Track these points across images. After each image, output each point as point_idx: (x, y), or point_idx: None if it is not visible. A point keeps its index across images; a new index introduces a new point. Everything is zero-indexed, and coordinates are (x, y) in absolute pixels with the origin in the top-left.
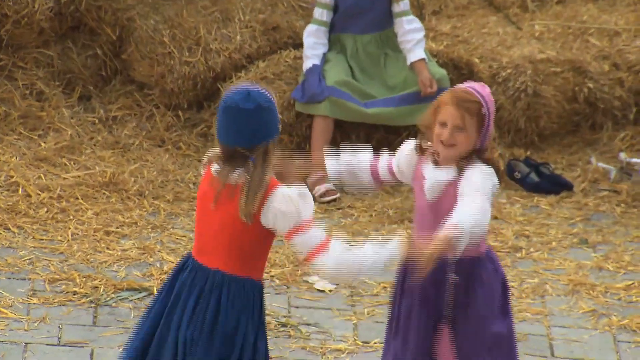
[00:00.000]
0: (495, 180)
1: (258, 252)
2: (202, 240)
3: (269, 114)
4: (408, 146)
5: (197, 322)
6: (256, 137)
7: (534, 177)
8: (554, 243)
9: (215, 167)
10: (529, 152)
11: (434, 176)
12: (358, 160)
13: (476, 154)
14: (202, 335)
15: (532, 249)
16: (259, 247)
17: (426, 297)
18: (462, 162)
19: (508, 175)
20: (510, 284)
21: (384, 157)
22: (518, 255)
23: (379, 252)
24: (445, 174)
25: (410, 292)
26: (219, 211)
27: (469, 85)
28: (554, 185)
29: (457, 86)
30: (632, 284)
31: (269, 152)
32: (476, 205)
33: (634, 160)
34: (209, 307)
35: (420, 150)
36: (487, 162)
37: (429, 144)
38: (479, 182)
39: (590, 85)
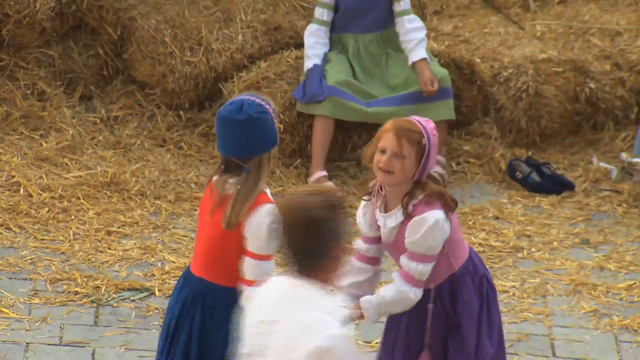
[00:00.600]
0: (443, 226)
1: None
2: (195, 249)
3: (261, 125)
4: (359, 212)
5: (184, 334)
6: (248, 148)
7: (535, 177)
8: (555, 243)
9: (215, 177)
10: (530, 152)
11: (385, 224)
12: (361, 283)
13: (418, 188)
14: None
15: (533, 249)
16: (240, 256)
17: (408, 328)
18: (407, 200)
19: (509, 176)
20: (512, 283)
21: (358, 243)
22: (519, 255)
23: None
24: (394, 220)
25: (396, 325)
26: (211, 220)
27: (413, 117)
28: (556, 185)
29: (401, 118)
30: (634, 284)
31: (263, 164)
32: (395, 288)
33: (636, 160)
34: (194, 320)
35: (367, 192)
36: (432, 194)
37: (371, 182)
38: (420, 242)
39: (592, 85)
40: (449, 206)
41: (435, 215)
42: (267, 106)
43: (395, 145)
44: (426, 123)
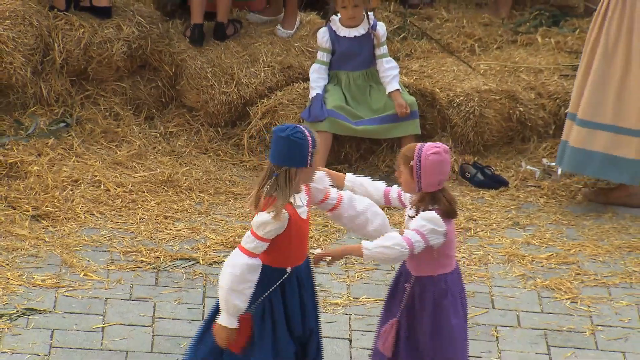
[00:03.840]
0: (436, 223)
1: None
2: (303, 251)
3: (294, 145)
4: None
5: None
6: (280, 158)
7: (480, 176)
8: (494, 225)
9: (294, 200)
10: (476, 158)
11: (406, 212)
12: (374, 184)
13: (428, 197)
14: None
15: (478, 229)
16: None
17: (388, 300)
18: (419, 204)
19: (461, 175)
20: (462, 254)
21: (396, 188)
22: (468, 233)
23: None
24: (408, 211)
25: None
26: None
27: (423, 144)
28: (495, 183)
29: (413, 144)
30: (552, 255)
31: (289, 176)
32: (395, 240)
33: (553, 164)
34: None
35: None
36: (441, 202)
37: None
38: (418, 222)
39: (521, 109)
40: (446, 214)
41: (433, 214)
42: (307, 134)
43: (397, 164)
44: (423, 148)
